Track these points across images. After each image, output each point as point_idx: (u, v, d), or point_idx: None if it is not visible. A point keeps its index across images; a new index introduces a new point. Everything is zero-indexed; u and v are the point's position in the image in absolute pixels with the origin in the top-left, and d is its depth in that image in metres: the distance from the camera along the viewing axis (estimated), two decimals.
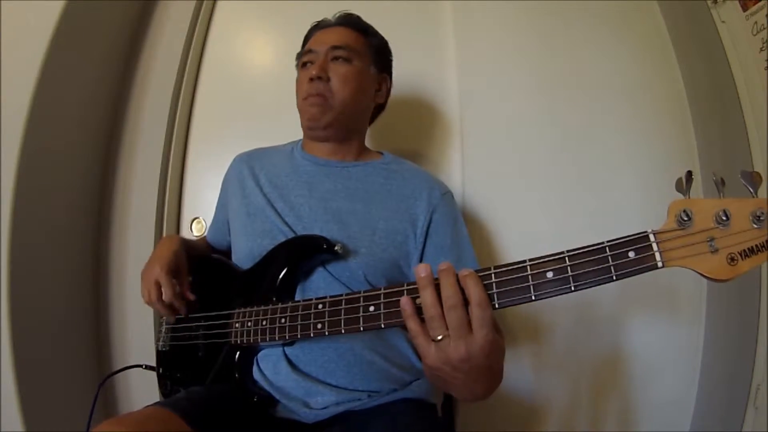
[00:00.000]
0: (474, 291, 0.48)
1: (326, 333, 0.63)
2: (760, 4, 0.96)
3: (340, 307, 0.61)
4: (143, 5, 1.32)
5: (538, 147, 1.21)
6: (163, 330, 0.91)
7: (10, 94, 0.98)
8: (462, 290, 0.49)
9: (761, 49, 0.96)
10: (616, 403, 1.14)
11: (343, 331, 0.61)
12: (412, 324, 0.51)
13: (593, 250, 0.47)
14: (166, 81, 1.29)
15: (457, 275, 0.50)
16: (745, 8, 1.00)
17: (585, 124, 1.21)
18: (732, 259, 0.44)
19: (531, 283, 0.48)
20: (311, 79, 0.84)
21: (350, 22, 0.92)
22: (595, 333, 1.15)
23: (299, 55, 0.94)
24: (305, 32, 0.96)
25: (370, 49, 0.91)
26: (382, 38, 0.95)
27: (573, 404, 1.15)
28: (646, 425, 1.13)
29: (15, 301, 0.96)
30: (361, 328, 0.59)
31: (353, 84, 0.87)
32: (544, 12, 1.26)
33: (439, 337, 0.49)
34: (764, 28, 0.95)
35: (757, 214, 0.43)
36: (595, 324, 1.15)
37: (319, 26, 0.93)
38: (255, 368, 0.77)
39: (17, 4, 1.01)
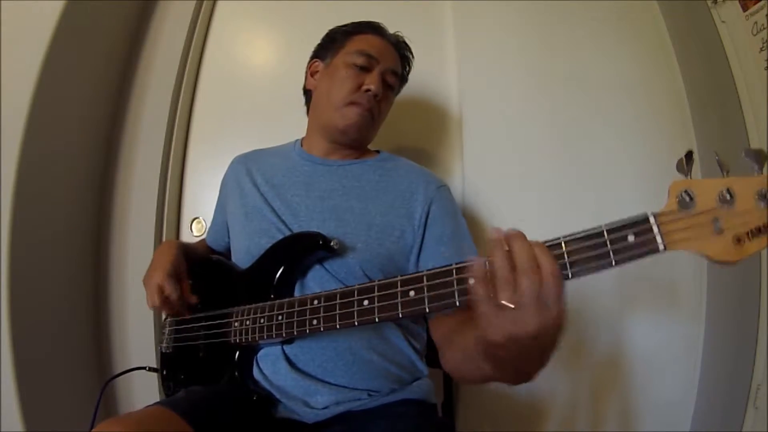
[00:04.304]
0: (547, 260, 0.44)
1: (321, 329, 0.62)
2: (760, 4, 0.96)
3: (334, 302, 0.61)
4: (143, 5, 1.32)
5: (538, 147, 1.21)
6: (166, 332, 0.91)
7: (10, 94, 0.98)
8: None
9: (761, 49, 0.96)
10: (616, 403, 1.14)
11: (338, 327, 0.60)
12: (480, 288, 0.46)
13: (591, 235, 0.45)
14: (166, 81, 1.29)
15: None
16: (745, 8, 1.00)
17: (585, 124, 1.21)
18: (738, 240, 0.41)
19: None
20: (367, 90, 0.85)
21: (403, 51, 0.95)
22: (595, 333, 1.15)
23: (341, 41, 0.91)
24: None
25: (402, 80, 0.97)
26: (409, 72, 0.99)
27: (573, 404, 1.15)
28: (646, 425, 1.13)
29: (15, 301, 0.96)
30: (356, 323, 0.58)
31: (388, 111, 0.94)
32: (544, 12, 1.26)
33: (510, 304, 0.44)
34: (764, 28, 0.95)
35: (763, 192, 0.40)
36: (595, 324, 1.15)
37: (377, 32, 0.92)
38: (255, 368, 0.77)
39: (17, 4, 1.01)
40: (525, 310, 0.43)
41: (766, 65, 0.95)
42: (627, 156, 1.19)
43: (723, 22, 1.05)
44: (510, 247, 0.45)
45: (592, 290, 1.14)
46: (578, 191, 1.18)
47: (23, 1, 1.02)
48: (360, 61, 0.87)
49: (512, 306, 0.43)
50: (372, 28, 0.92)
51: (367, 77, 0.86)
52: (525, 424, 1.15)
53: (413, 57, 0.98)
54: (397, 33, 0.95)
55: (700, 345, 1.14)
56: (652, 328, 1.15)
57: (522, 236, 0.46)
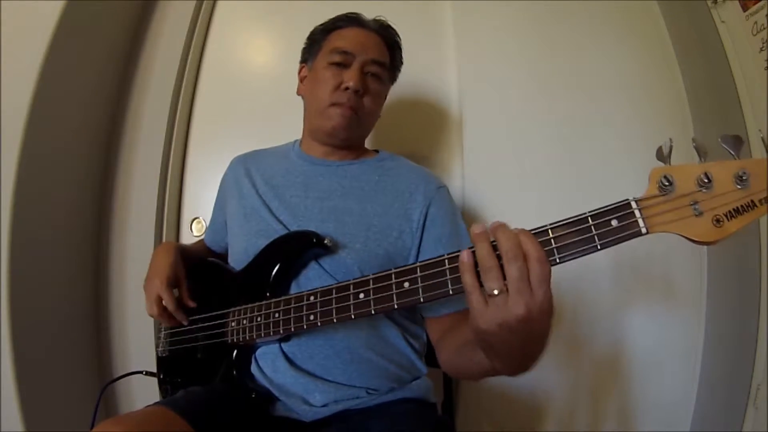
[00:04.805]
0: (532, 246, 0.45)
1: (319, 324, 0.63)
2: (761, 4, 0.96)
3: (331, 297, 0.62)
4: (143, 5, 1.32)
5: (538, 147, 1.21)
6: (162, 335, 0.91)
7: (10, 94, 0.98)
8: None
9: (761, 49, 0.95)
10: (616, 402, 1.14)
11: (335, 321, 0.61)
12: (469, 277, 0.47)
13: (576, 221, 0.47)
14: (166, 81, 1.29)
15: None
16: (745, 8, 1.00)
17: (585, 124, 1.21)
18: (718, 221, 0.43)
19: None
20: (346, 88, 0.82)
21: (387, 35, 0.90)
22: (594, 332, 1.15)
23: (320, 41, 0.90)
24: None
25: (394, 67, 0.93)
26: (402, 57, 0.95)
27: (573, 403, 1.15)
28: (646, 425, 1.13)
29: (15, 302, 0.96)
30: (352, 316, 0.59)
31: (380, 103, 0.90)
32: (544, 12, 1.26)
33: (496, 291, 0.45)
34: (764, 28, 0.95)
35: (740, 174, 0.43)
36: (595, 323, 1.15)
37: (355, 23, 0.89)
38: (254, 366, 0.77)
39: (17, 4, 1.01)
40: (512, 296, 0.45)
41: (766, 65, 0.94)
42: (627, 156, 1.19)
43: (723, 22, 1.05)
44: (495, 237, 0.47)
45: (592, 290, 1.14)
46: (578, 191, 1.18)
47: (23, 1, 1.02)
48: (337, 58, 0.84)
49: (498, 293, 0.45)
50: (348, 20, 0.89)
51: (345, 74, 0.83)
52: (525, 423, 1.15)
53: (400, 38, 0.93)
54: (378, 17, 0.91)
55: (700, 345, 1.14)
56: (652, 328, 1.15)
57: (505, 226, 0.47)
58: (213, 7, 1.38)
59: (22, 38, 1.01)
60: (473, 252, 0.48)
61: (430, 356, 0.87)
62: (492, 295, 0.46)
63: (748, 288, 1.01)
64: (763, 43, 0.95)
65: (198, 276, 0.90)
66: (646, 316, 1.16)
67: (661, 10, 1.25)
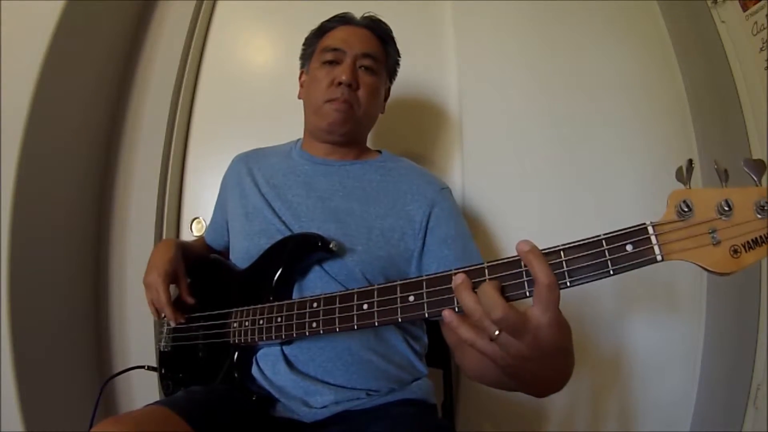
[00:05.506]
0: (541, 271, 0.43)
1: (321, 331, 0.63)
2: (761, 4, 0.96)
3: (334, 306, 0.61)
4: (143, 5, 1.32)
5: (538, 147, 1.21)
6: (164, 331, 0.92)
7: (10, 94, 0.98)
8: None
9: (761, 49, 0.96)
10: (616, 402, 1.14)
11: (337, 330, 0.61)
12: (465, 333, 0.47)
13: (589, 243, 0.45)
14: (166, 81, 1.29)
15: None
16: (745, 8, 1.00)
17: (585, 124, 1.21)
18: (735, 252, 0.41)
19: (525, 279, 0.46)
20: (339, 83, 0.83)
21: (378, 29, 0.91)
22: (595, 333, 1.15)
23: (313, 44, 0.91)
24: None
25: (389, 61, 0.93)
26: (397, 49, 0.95)
27: (573, 404, 1.15)
28: (646, 425, 1.13)
29: (15, 301, 0.96)
30: (355, 327, 0.58)
31: (377, 97, 0.90)
32: (545, 12, 1.26)
33: (497, 332, 0.45)
34: (764, 28, 0.95)
35: (761, 203, 0.40)
36: (595, 324, 1.15)
37: (345, 22, 0.90)
38: (254, 368, 0.77)
39: (17, 4, 1.02)
40: (513, 333, 0.44)
41: (766, 65, 0.95)
42: (627, 156, 1.19)
43: (723, 22, 1.05)
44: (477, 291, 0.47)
45: (593, 290, 1.14)
46: (578, 191, 1.18)
47: (23, 1, 1.02)
48: (328, 57, 0.86)
49: (499, 331, 0.45)
50: (338, 19, 0.91)
51: (337, 69, 0.84)
52: (525, 424, 1.15)
53: (391, 30, 0.93)
54: (367, 13, 0.92)
55: (700, 345, 1.14)
56: (652, 328, 1.15)
57: (485, 287, 0.46)
58: (213, 7, 1.38)
59: (22, 38, 1.01)
60: (455, 308, 0.49)
61: (430, 357, 0.87)
62: (494, 337, 0.46)
63: (748, 288, 1.01)
64: (763, 43, 0.95)
65: (200, 273, 0.90)
66: (647, 316, 1.16)
67: (661, 10, 1.25)
